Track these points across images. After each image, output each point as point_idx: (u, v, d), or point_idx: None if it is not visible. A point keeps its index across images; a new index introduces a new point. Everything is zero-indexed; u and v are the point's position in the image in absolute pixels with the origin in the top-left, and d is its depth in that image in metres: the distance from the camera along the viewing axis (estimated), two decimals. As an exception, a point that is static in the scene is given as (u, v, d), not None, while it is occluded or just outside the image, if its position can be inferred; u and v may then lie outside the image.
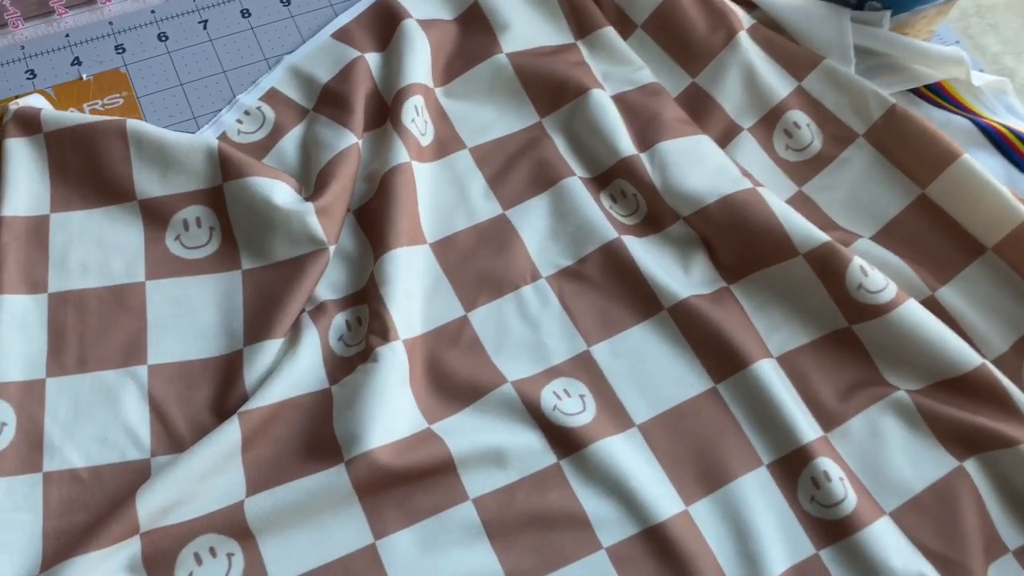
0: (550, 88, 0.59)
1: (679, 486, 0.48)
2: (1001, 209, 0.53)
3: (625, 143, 0.56)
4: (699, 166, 0.55)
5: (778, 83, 0.59)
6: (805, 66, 0.59)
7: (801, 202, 0.57)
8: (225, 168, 0.53)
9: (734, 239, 0.53)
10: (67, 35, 0.59)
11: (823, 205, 0.57)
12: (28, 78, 0.57)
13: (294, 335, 0.50)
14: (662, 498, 0.47)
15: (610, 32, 0.62)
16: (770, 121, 0.59)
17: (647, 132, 0.57)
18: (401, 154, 0.54)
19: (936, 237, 0.54)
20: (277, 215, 0.51)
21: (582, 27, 0.62)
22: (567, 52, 0.61)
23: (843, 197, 0.57)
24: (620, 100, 0.59)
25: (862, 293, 0.51)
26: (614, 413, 0.50)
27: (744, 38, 0.60)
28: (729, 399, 0.50)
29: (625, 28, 0.63)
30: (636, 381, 0.51)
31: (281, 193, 0.52)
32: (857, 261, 0.51)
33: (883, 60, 0.61)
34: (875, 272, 0.51)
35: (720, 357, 0.51)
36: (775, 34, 0.61)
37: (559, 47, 0.61)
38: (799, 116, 0.59)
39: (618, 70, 0.61)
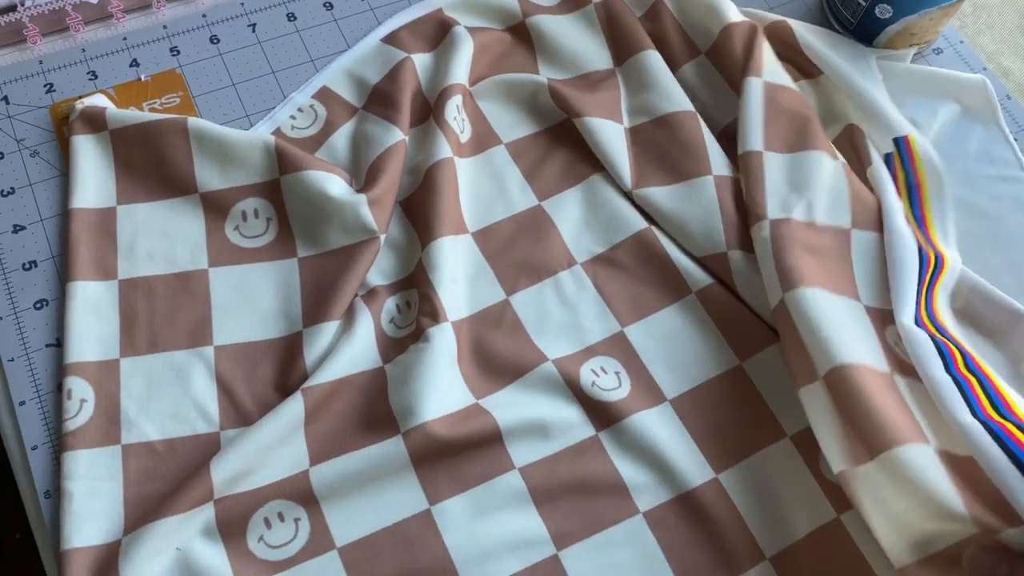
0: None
1: (709, 456, 0.52)
2: None
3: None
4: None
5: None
6: None
7: None
8: (282, 162, 0.56)
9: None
10: (124, 38, 0.62)
11: None
12: (90, 79, 0.60)
13: (349, 318, 0.54)
14: (693, 467, 0.51)
15: (648, 57, 0.63)
16: None
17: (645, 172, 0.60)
18: (444, 149, 0.58)
19: None
20: (332, 206, 0.55)
21: (620, 53, 0.64)
22: (604, 82, 0.63)
23: None
24: (631, 132, 0.61)
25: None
26: (647, 389, 0.53)
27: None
28: (754, 376, 0.54)
29: (688, 54, 0.64)
30: (667, 359, 0.55)
31: (335, 186, 0.55)
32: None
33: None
34: None
35: (744, 337, 0.55)
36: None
37: (598, 78, 0.64)
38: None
39: (644, 97, 0.62)
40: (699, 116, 0.61)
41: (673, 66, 0.64)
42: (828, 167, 0.58)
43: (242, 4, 0.64)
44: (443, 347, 0.52)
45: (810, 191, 0.56)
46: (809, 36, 0.64)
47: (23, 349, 0.52)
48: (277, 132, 0.60)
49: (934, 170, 0.59)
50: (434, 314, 0.53)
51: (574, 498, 0.50)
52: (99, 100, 0.59)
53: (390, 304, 0.55)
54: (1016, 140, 0.64)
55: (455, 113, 0.60)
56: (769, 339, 0.54)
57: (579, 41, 0.65)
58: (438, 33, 0.64)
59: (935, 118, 0.64)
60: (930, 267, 0.54)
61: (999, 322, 0.55)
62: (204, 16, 0.64)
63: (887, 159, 0.60)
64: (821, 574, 0.49)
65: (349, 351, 0.52)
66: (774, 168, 0.58)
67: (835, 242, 0.55)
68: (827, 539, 0.50)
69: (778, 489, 0.51)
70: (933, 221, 0.58)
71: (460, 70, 0.61)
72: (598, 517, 0.50)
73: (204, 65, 0.62)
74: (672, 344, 0.55)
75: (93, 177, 0.56)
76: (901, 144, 0.60)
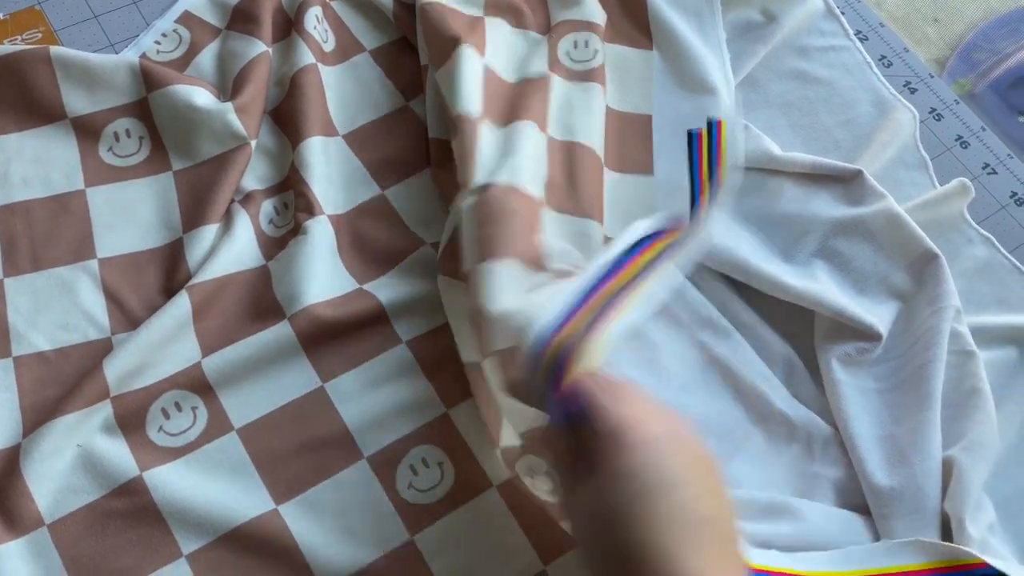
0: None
1: None
2: None
3: None
4: None
5: None
6: None
7: None
8: (148, 80, 0.58)
9: None
10: (-21, -20, 0.62)
11: None
12: (-54, 21, 0.61)
13: (227, 221, 0.56)
14: None
15: None
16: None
17: None
18: (307, 56, 0.60)
19: None
20: (200, 116, 0.57)
21: None
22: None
23: None
24: None
25: None
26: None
27: None
28: None
29: None
30: None
31: (201, 97, 0.57)
32: None
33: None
34: None
35: None
36: None
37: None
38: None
39: None
40: None
41: None
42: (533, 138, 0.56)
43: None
44: (322, 238, 0.55)
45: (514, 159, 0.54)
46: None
47: (-96, 279, 0.53)
48: (143, 57, 0.61)
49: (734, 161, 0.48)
50: (309, 208, 0.56)
51: (459, 367, 0.53)
52: (-43, 39, 0.59)
53: (267, 207, 0.58)
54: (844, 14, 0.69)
55: (315, 23, 0.62)
56: None
57: None
58: None
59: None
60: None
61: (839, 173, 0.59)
62: (60, -47, 0.64)
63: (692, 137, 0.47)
64: None
65: (230, 250, 0.54)
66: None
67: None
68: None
69: None
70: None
71: None
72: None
73: (65, 1, 0.63)
74: None
75: (-42, 112, 0.57)
76: (713, 126, 0.47)
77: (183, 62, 0.61)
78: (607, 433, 0.36)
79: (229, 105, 0.57)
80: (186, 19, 0.63)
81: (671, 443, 0.36)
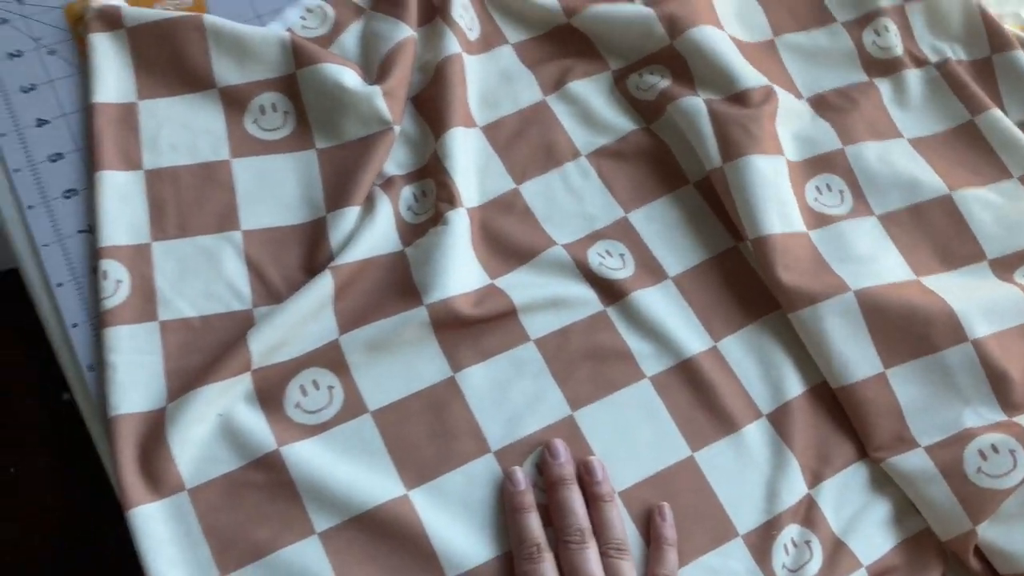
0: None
1: (708, 328, 0.56)
2: None
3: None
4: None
5: None
6: None
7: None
8: (298, 56, 0.58)
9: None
10: (132, -59, 0.63)
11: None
12: (101, -20, 0.61)
13: (369, 204, 0.57)
14: (693, 337, 0.55)
15: None
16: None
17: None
18: (453, 45, 0.60)
19: None
20: (348, 97, 0.57)
21: None
22: None
23: None
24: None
25: None
26: (650, 268, 0.57)
27: None
28: (748, 256, 0.58)
29: None
30: (668, 241, 0.58)
31: (350, 78, 0.58)
32: None
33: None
34: None
35: (740, 222, 0.59)
36: None
37: None
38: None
39: None
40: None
41: None
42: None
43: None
44: (461, 229, 0.55)
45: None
46: None
47: (56, 235, 0.54)
48: (290, 31, 0.62)
49: None
50: (451, 199, 0.56)
51: (586, 365, 0.54)
52: None
53: (407, 193, 0.58)
54: None
55: (461, 12, 0.62)
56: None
57: None
58: None
59: None
60: None
61: None
62: (209, -81, 0.65)
63: None
64: (813, 428, 0.53)
65: (372, 233, 0.55)
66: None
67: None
68: (819, 398, 0.54)
69: (773, 355, 0.55)
70: None
71: None
72: (608, 382, 0.54)
73: (212, -33, 0.63)
74: (672, 228, 0.59)
75: (112, 73, 0.58)
76: None
77: (328, 39, 0.62)
78: None
79: (377, 89, 0.57)
80: (330, -5, 0.63)
81: None
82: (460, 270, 0.54)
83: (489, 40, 0.64)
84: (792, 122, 0.62)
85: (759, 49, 0.66)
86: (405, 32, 0.60)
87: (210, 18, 0.58)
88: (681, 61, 0.62)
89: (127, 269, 0.53)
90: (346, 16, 0.63)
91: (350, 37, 0.62)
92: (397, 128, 0.58)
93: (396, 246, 0.56)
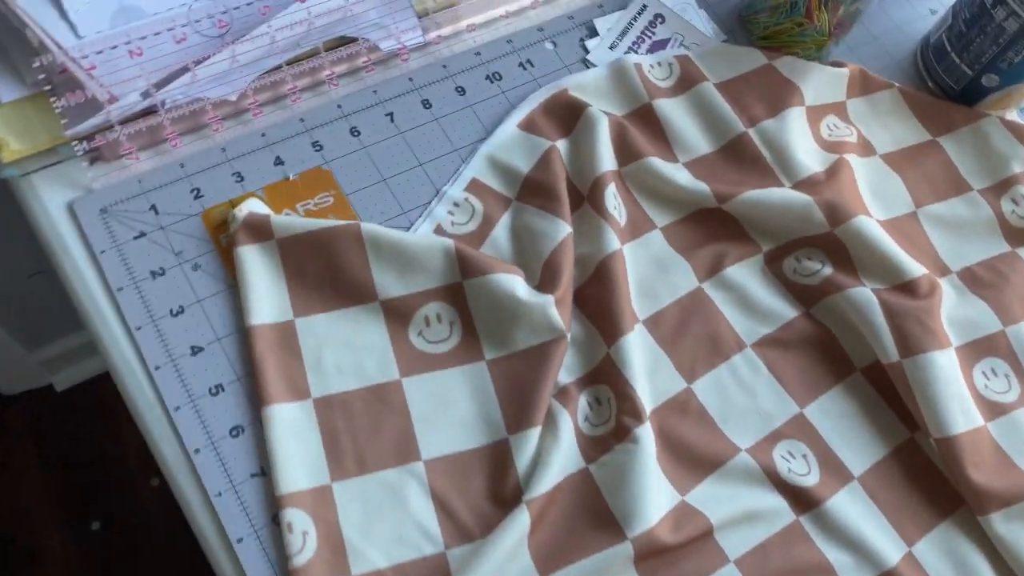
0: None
1: (900, 531, 0.54)
2: None
3: (810, 223, 0.62)
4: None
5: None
6: None
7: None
8: (464, 266, 0.55)
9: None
10: (263, 134, 0.60)
11: None
12: (236, 181, 0.58)
13: (549, 421, 0.54)
14: (887, 544, 0.54)
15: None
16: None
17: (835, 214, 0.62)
18: (614, 241, 0.58)
19: None
20: (521, 308, 0.55)
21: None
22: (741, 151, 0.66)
23: None
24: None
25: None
26: (835, 469, 0.56)
27: None
28: (926, 447, 0.57)
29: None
30: (846, 437, 0.57)
31: (522, 288, 0.55)
32: None
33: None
34: None
35: (922, 420, 0.57)
36: None
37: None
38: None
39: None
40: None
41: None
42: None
43: (375, 92, 0.63)
44: (650, 448, 0.53)
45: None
46: None
47: (228, 482, 0.50)
48: (438, 229, 0.59)
49: None
50: (636, 413, 0.54)
51: None
52: (255, 205, 0.56)
53: (582, 402, 0.56)
54: None
55: (614, 202, 0.60)
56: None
57: (703, 120, 0.66)
58: (570, 115, 0.64)
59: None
60: None
61: None
62: (340, 107, 0.62)
63: None
64: None
65: (558, 456, 0.52)
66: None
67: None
68: None
69: (966, 557, 0.54)
70: None
71: (606, 155, 0.62)
72: (811, 599, 0.52)
73: (350, 160, 0.60)
74: (849, 421, 0.58)
75: (266, 289, 0.54)
76: None
77: (480, 235, 0.59)
78: None
79: (550, 298, 0.55)
80: (475, 187, 0.61)
81: None
82: (655, 493, 0.52)
83: (638, 225, 0.62)
84: (945, 304, 0.62)
85: (902, 224, 0.65)
86: (564, 230, 0.58)
87: (368, 226, 0.55)
88: (842, 248, 0.61)
89: (311, 517, 0.49)
90: (494, 209, 0.60)
91: (501, 232, 0.60)
92: (569, 336, 0.56)
93: (579, 463, 0.54)
